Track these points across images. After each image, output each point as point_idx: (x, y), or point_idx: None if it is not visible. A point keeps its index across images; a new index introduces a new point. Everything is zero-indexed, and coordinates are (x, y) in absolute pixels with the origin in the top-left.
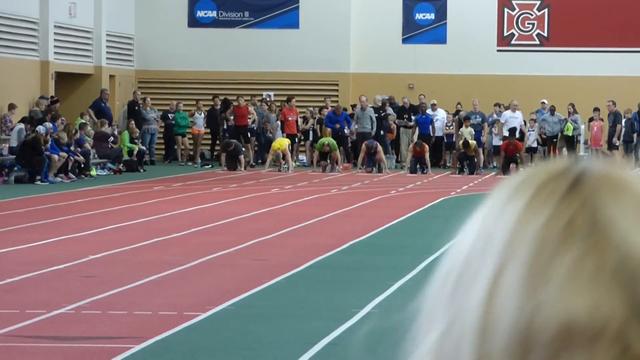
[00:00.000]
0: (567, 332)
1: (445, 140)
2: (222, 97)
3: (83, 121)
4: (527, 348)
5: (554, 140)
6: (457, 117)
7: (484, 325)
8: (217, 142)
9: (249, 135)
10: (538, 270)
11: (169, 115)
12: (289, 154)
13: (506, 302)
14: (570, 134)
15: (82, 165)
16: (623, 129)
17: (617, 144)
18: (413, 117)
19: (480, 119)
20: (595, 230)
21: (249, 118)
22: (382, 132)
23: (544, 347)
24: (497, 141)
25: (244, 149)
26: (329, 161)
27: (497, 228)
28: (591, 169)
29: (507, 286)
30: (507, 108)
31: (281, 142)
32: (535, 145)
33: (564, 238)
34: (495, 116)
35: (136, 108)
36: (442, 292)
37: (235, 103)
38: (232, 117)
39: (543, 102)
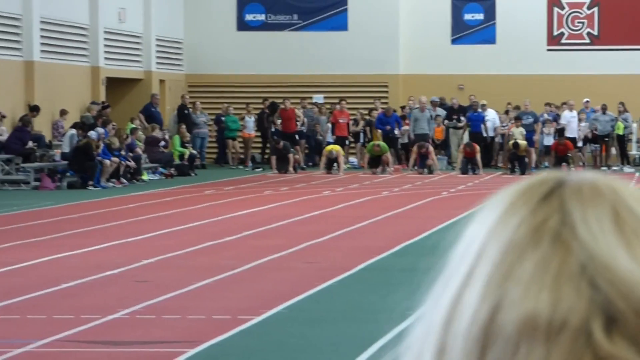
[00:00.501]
0: (529, 326)
1: (501, 140)
2: (270, 101)
3: (134, 126)
4: (488, 341)
5: (606, 139)
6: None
7: (448, 318)
8: (267, 145)
9: (297, 138)
10: (505, 269)
11: (222, 118)
12: (341, 157)
13: (471, 297)
14: (621, 132)
15: (134, 170)
16: None
17: None
18: (462, 118)
19: (532, 119)
20: (564, 232)
21: (297, 121)
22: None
23: (505, 340)
24: (548, 141)
25: (292, 149)
26: (380, 165)
27: (477, 232)
28: (572, 177)
29: (474, 283)
30: (556, 107)
31: (334, 146)
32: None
33: (533, 239)
34: (546, 116)
35: (185, 112)
36: (433, 291)
37: (282, 106)
38: (279, 121)
39: (587, 101)
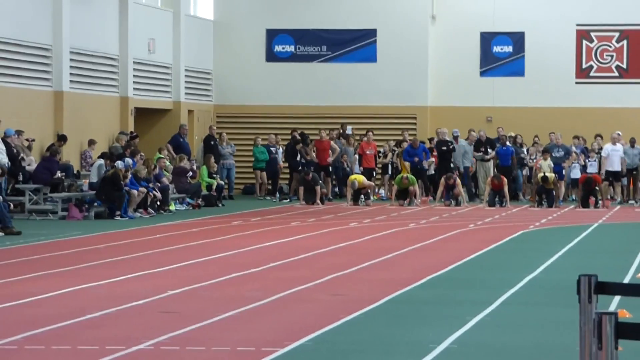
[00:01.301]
0: None
1: (528, 173)
2: (299, 131)
3: (161, 156)
4: None
5: (634, 172)
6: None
7: None
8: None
9: (330, 170)
10: None
11: (271, 149)
12: (368, 186)
13: None
14: None
15: (160, 201)
16: None
17: None
18: (490, 150)
19: (563, 152)
20: None
21: (331, 153)
22: (452, 166)
23: None
24: (575, 174)
25: (321, 182)
26: (407, 197)
27: None
28: None
29: None
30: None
31: (357, 176)
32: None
33: None
34: (574, 148)
35: (212, 143)
36: None
37: (318, 137)
38: (313, 152)
39: (618, 134)
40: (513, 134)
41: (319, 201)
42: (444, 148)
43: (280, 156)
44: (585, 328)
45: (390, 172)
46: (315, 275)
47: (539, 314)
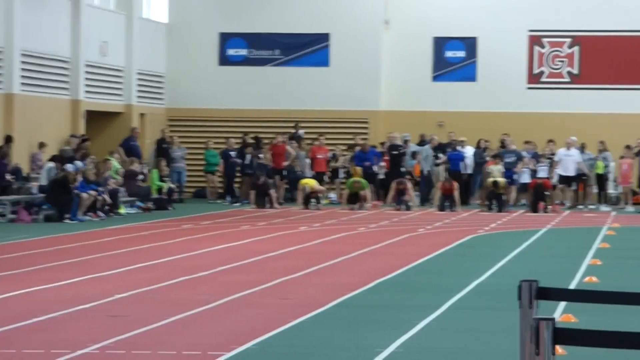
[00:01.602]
0: None
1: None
2: (253, 135)
3: (108, 157)
4: None
5: (583, 177)
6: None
7: None
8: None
9: (285, 174)
10: None
11: (230, 153)
12: (319, 190)
13: None
14: (600, 171)
15: (110, 205)
16: None
17: None
18: (441, 155)
19: (514, 158)
20: None
21: (286, 157)
22: (402, 170)
23: None
24: (525, 178)
25: (274, 185)
26: (358, 201)
27: None
28: None
29: None
30: (526, 145)
31: (308, 181)
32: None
33: None
34: (525, 153)
35: (164, 146)
36: None
37: (273, 141)
38: (269, 156)
39: (573, 139)
40: (464, 139)
41: (276, 205)
42: (395, 152)
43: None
44: (525, 333)
45: (341, 176)
46: (264, 279)
47: (485, 318)
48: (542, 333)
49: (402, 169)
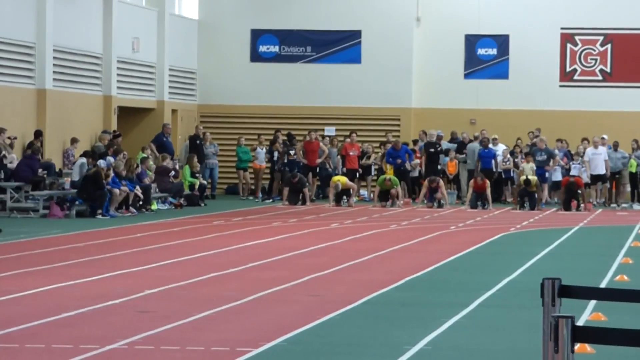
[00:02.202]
0: None
1: (503, 176)
2: (284, 132)
3: (144, 155)
4: None
5: (617, 176)
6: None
7: None
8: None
9: (318, 171)
10: None
11: (274, 152)
12: (351, 188)
13: None
14: (634, 170)
15: (142, 200)
16: None
17: None
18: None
19: (545, 156)
20: None
21: (320, 154)
22: (439, 167)
23: None
24: (557, 176)
25: (308, 183)
26: (389, 198)
27: None
28: None
29: None
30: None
31: (340, 178)
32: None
33: None
34: (557, 152)
35: (198, 142)
36: None
37: (307, 138)
38: (302, 153)
39: (603, 138)
40: (496, 136)
41: (309, 202)
42: (432, 150)
43: (263, 156)
44: (547, 331)
45: (373, 174)
46: (293, 276)
47: (514, 316)
48: (561, 331)
49: (439, 167)
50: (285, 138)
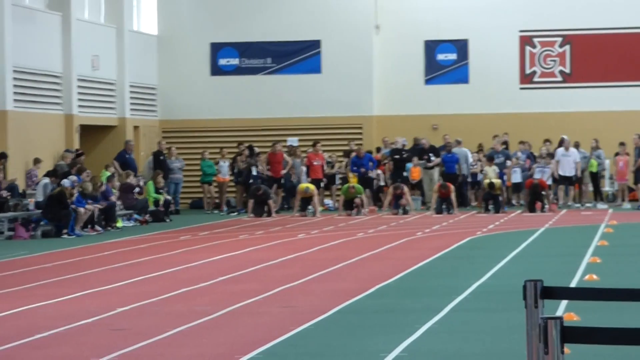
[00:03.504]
0: None
1: (470, 180)
2: (246, 144)
3: (109, 173)
4: None
5: (579, 176)
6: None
7: None
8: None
9: (282, 182)
10: None
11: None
12: (317, 196)
13: None
14: (594, 170)
15: (107, 216)
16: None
17: None
18: (433, 157)
19: (503, 158)
20: None
21: (284, 165)
22: (404, 174)
23: None
24: (516, 178)
25: (273, 195)
26: (354, 207)
27: None
28: None
29: None
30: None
31: (309, 185)
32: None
33: None
34: (519, 154)
35: (161, 158)
36: None
37: (270, 150)
38: (266, 165)
39: (563, 138)
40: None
41: (274, 214)
42: (397, 156)
43: (226, 169)
44: (532, 333)
45: (337, 183)
46: (264, 288)
47: (487, 320)
48: (550, 332)
49: (405, 174)
50: (245, 151)
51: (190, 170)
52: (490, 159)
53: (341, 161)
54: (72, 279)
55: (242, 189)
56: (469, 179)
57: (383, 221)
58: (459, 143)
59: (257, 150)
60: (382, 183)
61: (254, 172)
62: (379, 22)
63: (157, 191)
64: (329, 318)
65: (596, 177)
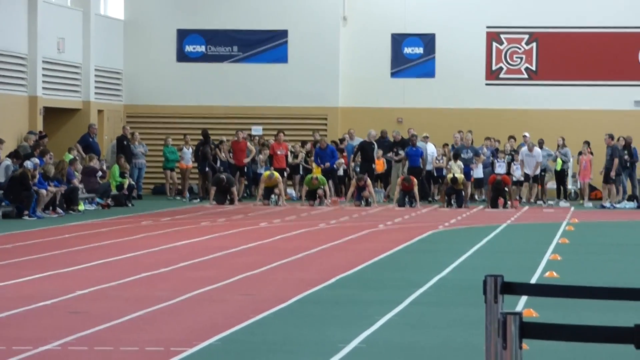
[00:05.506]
0: None
1: (435, 174)
2: (210, 133)
3: (72, 157)
4: None
5: (542, 174)
6: (445, 150)
7: None
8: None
9: (246, 171)
10: None
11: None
12: (281, 184)
13: None
14: (558, 168)
15: (68, 198)
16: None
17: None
18: (401, 151)
19: (471, 154)
20: None
21: (247, 154)
22: (373, 166)
23: None
24: (478, 173)
25: (235, 182)
26: (317, 197)
27: None
28: None
29: None
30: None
31: (274, 172)
32: (522, 179)
33: None
34: (485, 149)
35: (125, 143)
36: None
37: (234, 138)
38: (230, 153)
39: (524, 136)
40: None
41: (236, 202)
42: (367, 149)
43: (190, 156)
44: (490, 328)
45: (301, 173)
46: (225, 275)
47: (446, 313)
48: (509, 327)
49: (373, 166)
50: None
51: (154, 156)
52: (456, 154)
53: (301, 151)
54: (31, 260)
55: (204, 176)
56: (435, 174)
57: (345, 212)
58: (426, 138)
59: (224, 138)
60: (340, 173)
61: (218, 161)
62: (347, 14)
63: (122, 175)
64: (289, 307)
65: (561, 176)
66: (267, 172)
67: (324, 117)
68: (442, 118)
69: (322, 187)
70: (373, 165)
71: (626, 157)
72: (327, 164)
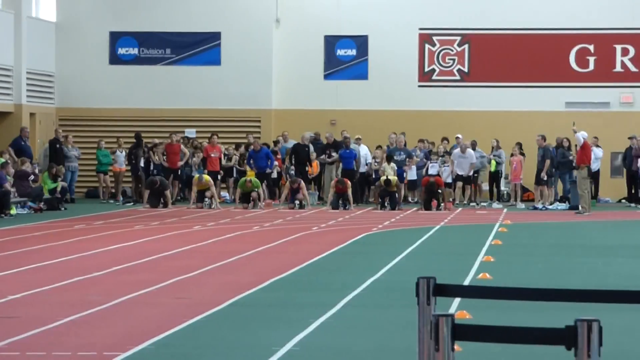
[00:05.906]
0: None
1: (374, 177)
2: (144, 135)
3: (4, 160)
4: None
5: (475, 175)
6: (378, 152)
7: None
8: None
9: (179, 174)
10: None
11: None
12: (214, 190)
13: None
14: (493, 169)
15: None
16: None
17: (545, 178)
18: (334, 153)
19: (404, 156)
20: None
21: (181, 157)
22: (307, 169)
23: None
24: (412, 175)
25: (169, 185)
26: (251, 200)
27: None
28: None
29: None
30: (426, 143)
31: (204, 175)
32: (449, 180)
33: None
34: (418, 151)
35: (57, 146)
36: None
37: (167, 140)
38: (163, 155)
39: (457, 137)
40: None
41: (170, 205)
42: (301, 152)
43: (123, 159)
44: (423, 330)
45: (235, 175)
46: (158, 279)
47: (381, 316)
48: (441, 329)
49: (307, 168)
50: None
51: (87, 159)
52: (390, 156)
53: (235, 154)
54: None
55: (137, 179)
56: (373, 176)
57: (279, 215)
58: (359, 140)
59: (158, 141)
60: (274, 176)
61: (151, 164)
62: (280, 16)
63: (54, 179)
64: (223, 310)
65: (496, 177)
66: (197, 175)
67: (257, 119)
68: (375, 120)
69: (256, 189)
70: (307, 168)
71: (558, 158)
72: (269, 169)
